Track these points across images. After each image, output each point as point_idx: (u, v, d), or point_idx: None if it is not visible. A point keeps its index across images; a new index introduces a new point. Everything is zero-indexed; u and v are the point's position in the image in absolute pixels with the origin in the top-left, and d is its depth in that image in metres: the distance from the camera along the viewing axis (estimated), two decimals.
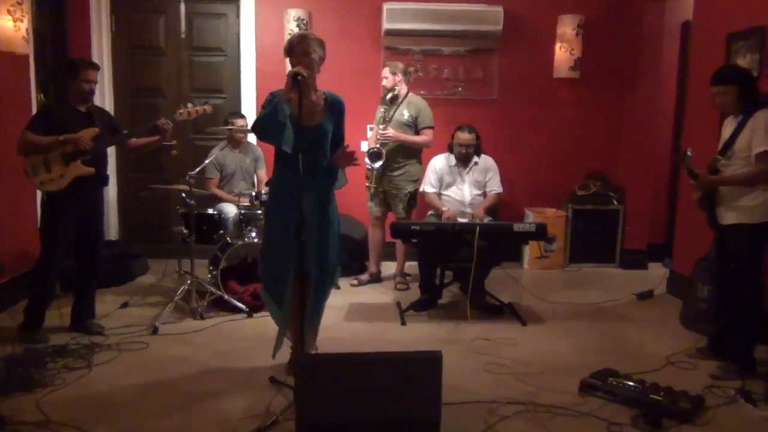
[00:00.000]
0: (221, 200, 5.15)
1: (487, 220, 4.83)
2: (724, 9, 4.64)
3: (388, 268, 5.49)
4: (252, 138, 5.35)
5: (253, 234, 4.68)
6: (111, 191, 6.03)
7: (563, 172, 6.14)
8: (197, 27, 5.95)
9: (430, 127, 5.10)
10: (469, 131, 4.95)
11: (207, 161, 4.88)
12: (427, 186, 5.06)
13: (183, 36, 5.92)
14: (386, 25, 5.68)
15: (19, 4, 4.40)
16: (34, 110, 4.68)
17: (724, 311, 3.69)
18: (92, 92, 3.97)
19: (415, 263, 5.02)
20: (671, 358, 3.77)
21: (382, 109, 5.07)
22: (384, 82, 5.08)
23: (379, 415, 2.62)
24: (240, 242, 4.65)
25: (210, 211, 4.85)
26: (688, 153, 3.66)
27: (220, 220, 4.79)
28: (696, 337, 4.09)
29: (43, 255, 3.93)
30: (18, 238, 4.51)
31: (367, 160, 4.95)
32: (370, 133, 5.40)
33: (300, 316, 3.09)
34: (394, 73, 5.10)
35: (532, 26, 5.98)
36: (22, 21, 4.44)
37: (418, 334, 4.20)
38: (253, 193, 4.74)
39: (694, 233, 4.57)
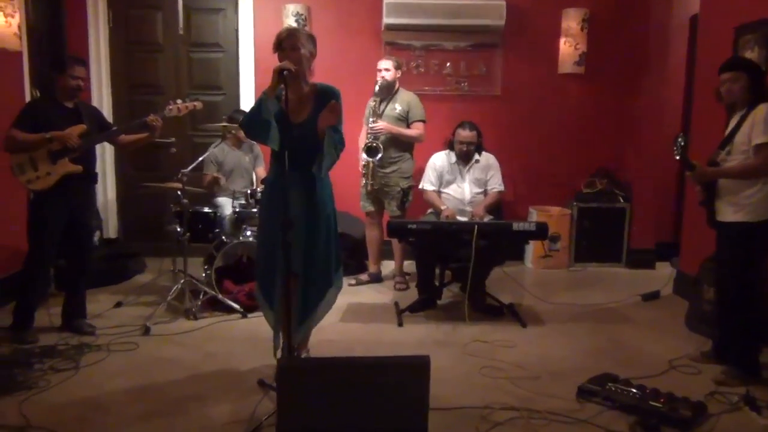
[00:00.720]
0: (216, 197, 5.07)
1: (488, 219, 4.72)
2: (731, 1, 4.50)
3: (389, 267, 5.40)
4: None
5: (249, 233, 4.60)
6: (109, 189, 5.99)
7: (568, 170, 6.02)
8: (195, 23, 5.89)
9: (421, 121, 5.01)
10: (470, 128, 4.83)
11: (201, 158, 4.81)
12: (427, 184, 4.96)
13: (181, 32, 5.85)
14: (386, 19, 5.58)
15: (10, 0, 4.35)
16: None
17: (726, 313, 3.57)
18: (79, 88, 3.89)
19: (412, 262, 4.92)
20: (674, 362, 3.65)
21: (372, 103, 4.97)
22: (387, 75, 4.96)
23: (363, 422, 2.53)
24: (235, 241, 4.57)
25: (205, 209, 4.77)
26: (680, 141, 3.49)
27: (215, 219, 4.72)
28: (701, 340, 3.96)
29: (31, 255, 3.88)
30: (10, 237, 4.45)
31: (364, 155, 4.87)
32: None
33: (286, 317, 3.00)
34: (397, 68, 5.01)
35: (535, 20, 5.86)
36: (13, 17, 4.39)
37: (413, 336, 4.10)
38: (249, 191, 4.66)
39: (701, 232, 4.43)
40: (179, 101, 4.10)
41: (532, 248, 5.87)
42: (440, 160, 4.96)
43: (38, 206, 3.85)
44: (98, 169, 5.76)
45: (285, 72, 2.91)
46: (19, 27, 4.50)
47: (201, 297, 4.46)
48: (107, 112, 5.79)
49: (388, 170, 5.01)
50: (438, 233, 4.33)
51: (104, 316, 4.33)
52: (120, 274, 5.26)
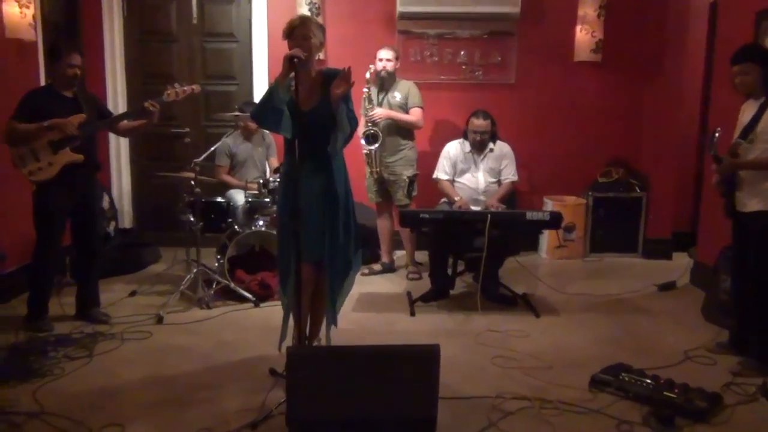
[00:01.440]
0: (230, 188, 5.08)
1: (501, 209, 4.68)
2: None
3: (402, 256, 5.38)
4: None
5: (261, 222, 4.60)
6: (124, 180, 6.02)
7: (584, 159, 5.95)
8: (209, 13, 5.88)
9: (419, 107, 5.00)
10: (484, 117, 4.79)
11: (213, 148, 4.81)
12: (441, 173, 4.93)
13: (195, 22, 5.85)
14: (400, 8, 5.54)
15: None
16: None
17: (744, 304, 3.51)
18: (76, 76, 3.85)
19: (425, 252, 4.90)
20: (690, 352, 3.60)
21: (366, 90, 4.92)
22: (389, 66, 4.92)
23: (372, 411, 2.53)
24: (248, 231, 4.58)
25: (218, 199, 4.79)
26: (717, 133, 3.45)
27: (228, 209, 4.73)
28: (717, 330, 3.91)
29: (39, 245, 3.90)
30: (23, 227, 4.48)
31: (363, 142, 4.85)
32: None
33: (297, 306, 3.00)
34: (397, 58, 5.00)
35: (551, 8, 5.78)
36: (28, 8, 4.40)
37: (425, 326, 4.09)
38: (261, 181, 4.66)
39: (719, 222, 4.36)
40: (176, 85, 4.04)
41: (546, 238, 5.82)
42: (454, 149, 4.92)
43: (42, 197, 3.84)
44: (113, 159, 5.95)
45: (295, 60, 2.89)
46: (34, 17, 4.51)
47: (214, 286, 4.48)
48: (122, 102, 5.83)
49: (392, 159, 4.99)
50: (451, 223, 4.30)
51: (118, 305, 4.37)
52: (134, 263, 5.29)
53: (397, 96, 4.97)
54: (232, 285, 4.45)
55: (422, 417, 2.56)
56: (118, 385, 3.19)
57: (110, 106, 5.06)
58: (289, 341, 3.27)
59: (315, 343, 3.43)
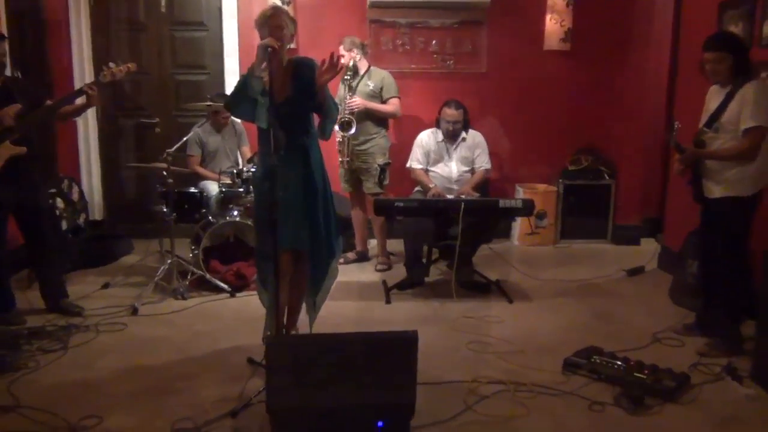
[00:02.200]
0: (203, 178, 5.05)
1: (475, 197, 4.73)
2: None
3: (372, 245, 5.42)
4: None
5: (235, 212, 4.59)
6: (94, 171, 5.93)
7: (554, 147, 6.03)
8: (178, 1, 5.80)
9: (396, 97, 5.01)
10: (456, 107, 4.82)
11: (185, 138, 4.77)
12: (414, 162, 4.96)
13: (163, 10, 5.77)
14: None
15: None
16: None
17: (710, 286, 3.62)
18: (3, 65, 3.72)
19: (400, 240, 4.93)
20: (658, 334, 3.71)
21: (347, 78, 4.90)
22: (343, 60, 4.86)
23: (352, 397, 2.55)
24: (222, 221, 4.56)
25: (192, 189, 4.76)
26: (676, 126, 3.56)
27: (201, 199, 4.70)
28: (685, 313, 4.01)
29: None
30: None
31: (337, 128, 4.85)
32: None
33: (276, 296, 3.02)
34: (349, 50, 4.93)
35: None
36: None
37: (401, 313, 4.13)
38: (235, 171, 4.65)
39: (685, 207, 4.48)
40: (111, 64, 3.89)
41: (518, 225, 5.90)
42: (427, 138, 4.95)
43: None
44: (82, 150, 5.85)
45: (269, 49, 2.90)
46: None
47: (189, 277, 4.46)
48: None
49: (364, 147, 5.00)
50: (425, 211, 4.34)
51: (92, 297, 4.32)
52: (107, 255, 5.23)
53: (369, 84, 4.96)
54: (208, 276, 4.43)
55: (401, 402, 2.60)
56: (95, 377, 3.18)
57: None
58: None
59: (292, 333, 3.45)
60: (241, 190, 4.60)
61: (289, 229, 3.13)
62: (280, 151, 2.98)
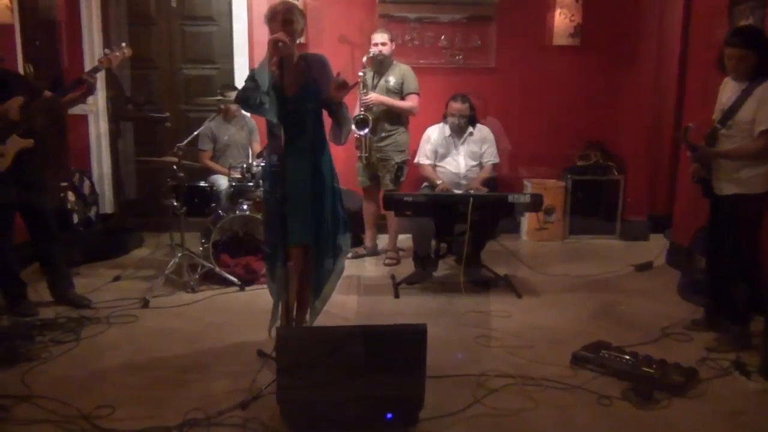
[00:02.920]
0: (213, 173, 5.08)
1: (483, 192, 4.74)
2: None
3: (385, 240, 5.42)
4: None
5: (245, 207, 4.62)
6: (105, 165, 5.97)
7: (563, 142, 6.03)
8: None
9: (415, 93, 5.00)
10: (462, 101, 4.83)
11: (196, 133, 4.80)
12: (422, 157, 4.97)
13: (174, 5, 5.79)
14: None
15: None
16: None
17: (718, 282, 3.62)
18: (1, 59, 3.73)
19: (409, 236, 4.95)
20: (666, 330, 3.71)
21: (361, 74, 4.92)
22: (384, 49, 4.91)
23: (361, 390, 2.58)
24: (232, 215, 4.59)
25: (202, 183, 4.79)
26: (690, 126, 3.51)
27: (212, 193, 4.73)
28: (693, 308, 4.01)
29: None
30: None
31: (353, 127, 4.86)
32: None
33: (285, 289, 3.05)
34: (392, 40, 4.98)
35: None
36: None
37: (410, 307, 4.15)
38: (245, 165, 4.67)
39: (693, 203, 4.48)
40: (107, 50, 3.91)
41: (526, 221, 5.90)
42: (435, 133, 4.96)
43: None
44: (93, 144, 5.89)
45: (280, 43, 2.91)
46: (11, 0, 4.45)
47: (199, 270, 4.49)
48: (100, 87, 5.76)
49: (383, 143, 5.01)
50: (434, 206, 4.35)
51: (103, 290, 4.35)
52: (117, 248, 5.27)
53: (391, 80, 4.95)
54: (217, 269, 4.46)
55: (410, 395, 2.62)
56: (107, 368, 3.21)
57: None
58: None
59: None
60: (251, 184, 4.62)
61: (298, 225, 3.15)
62: (288, 146, 3.01)
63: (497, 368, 3.20)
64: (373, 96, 4.87)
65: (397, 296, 4.34)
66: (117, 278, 4.59)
